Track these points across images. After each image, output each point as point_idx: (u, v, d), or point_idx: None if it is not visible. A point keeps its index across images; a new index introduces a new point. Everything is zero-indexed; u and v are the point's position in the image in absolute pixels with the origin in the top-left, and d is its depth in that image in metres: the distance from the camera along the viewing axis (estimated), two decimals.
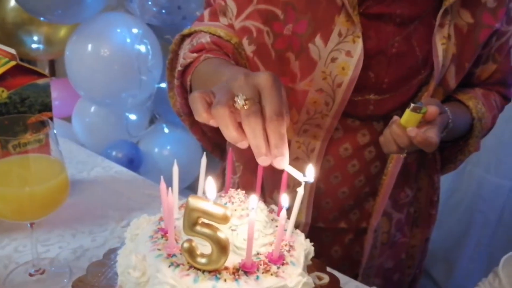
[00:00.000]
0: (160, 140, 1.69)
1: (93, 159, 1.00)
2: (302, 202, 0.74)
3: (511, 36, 0.75)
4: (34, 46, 1.47)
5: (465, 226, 1.63)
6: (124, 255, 0.43)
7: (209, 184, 0.36)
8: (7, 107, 0.69)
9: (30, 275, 0.61)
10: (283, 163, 0.42)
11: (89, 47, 1.42)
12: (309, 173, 0.44)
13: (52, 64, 2.23)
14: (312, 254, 0.45)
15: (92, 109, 1.64)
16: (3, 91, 0.69)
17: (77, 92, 1.57)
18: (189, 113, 0.80)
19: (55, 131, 0.58)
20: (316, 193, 0.76)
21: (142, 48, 1.44)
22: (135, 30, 1.44)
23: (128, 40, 1.43)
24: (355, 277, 0.74)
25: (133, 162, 1.50)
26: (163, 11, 1.45)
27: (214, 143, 0.89)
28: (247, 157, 0.78)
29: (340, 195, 0.77)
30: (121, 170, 0.96)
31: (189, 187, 1.66)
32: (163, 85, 1.53)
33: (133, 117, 1.61)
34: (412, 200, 0.85)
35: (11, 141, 0.58)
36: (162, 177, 0.39)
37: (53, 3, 1.30)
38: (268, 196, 0.79)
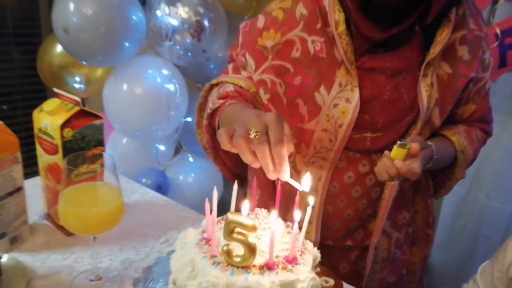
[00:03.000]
0: (185, 169, 1.79)
1: (131, 186, 1.12)
2: (311, 223, 0.85)
3: (487, 81, 0.85)
4: (76, 85, 1.63)
5: (470, 249, 1.66)
6: (176, 258, 0.56)
7: (245, 204, 0.50)
8: (71, 144, 0.83)
9: (91, 280, 0.73)
10: (286, 176, 0.56)
11: (125, 86, 1.55)
12: (305, 183, 0.57)
13: (82, 100, 2.42)
14: (319, 259, 0.57)
15: (124, 140, 1.76)
16: (69, 131, 0.83)
17: (110, 125, 1.70)
18: (214, 147, 0.92)
19: (115, 163, 0.72)
20: (325, 214, 0.85)
21: (171, 87, 1.56)
22: (164, 71, 1.56)
23: (159, 80, 1.56)
24: None
25: (161, 188, 1.60)
26: (189, 53, 1.59)
27: (234, 173, 1.00)
28: (265, 185, 0.89)
29: (345, 217, 0.86)
30: (156, 195, 1.07)
31: None
32: (189, 119, 1.64)
33: (161, 147, 1.74)
34: (409, 221, 0.93)
35: (74, 171, 0.71)
36: (207, 199, 0.54)
37: (95, 49, 1.44)
38: (283, 217, 0.91)
